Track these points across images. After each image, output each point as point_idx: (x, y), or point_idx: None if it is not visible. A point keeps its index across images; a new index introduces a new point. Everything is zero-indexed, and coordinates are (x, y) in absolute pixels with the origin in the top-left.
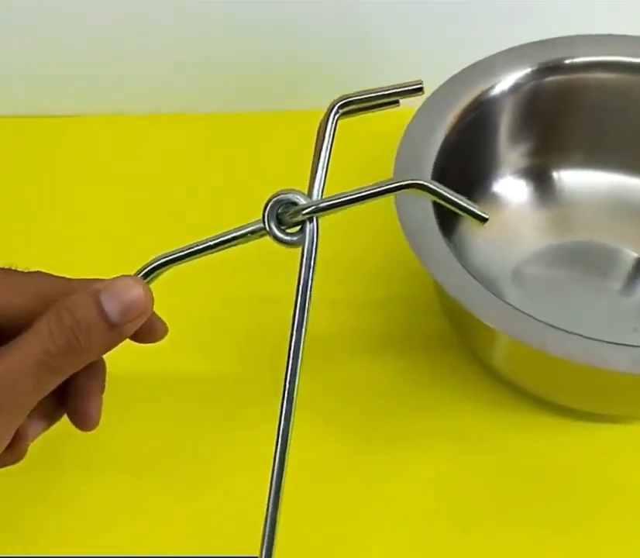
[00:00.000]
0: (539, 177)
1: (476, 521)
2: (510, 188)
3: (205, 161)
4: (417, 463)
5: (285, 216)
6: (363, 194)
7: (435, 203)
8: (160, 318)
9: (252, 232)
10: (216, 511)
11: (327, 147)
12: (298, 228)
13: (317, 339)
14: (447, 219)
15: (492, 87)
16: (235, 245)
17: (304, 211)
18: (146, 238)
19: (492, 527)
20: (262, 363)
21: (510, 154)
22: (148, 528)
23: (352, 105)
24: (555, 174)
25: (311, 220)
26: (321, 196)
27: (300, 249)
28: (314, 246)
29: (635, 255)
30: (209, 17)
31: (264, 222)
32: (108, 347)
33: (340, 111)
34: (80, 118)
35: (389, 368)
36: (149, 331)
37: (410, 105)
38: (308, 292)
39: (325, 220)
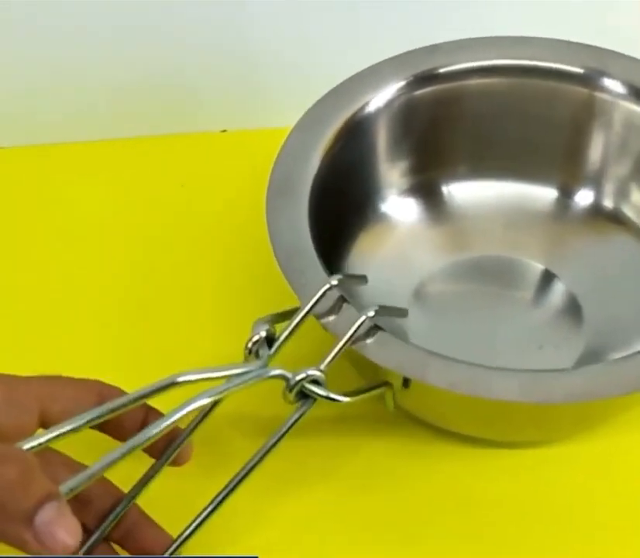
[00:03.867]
0: (428, 194)
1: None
2: (400, 208)
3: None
4: (323, 499)
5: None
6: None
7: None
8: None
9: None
10: None
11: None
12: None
13: None
14: (333, 243)
15: (365, 105)
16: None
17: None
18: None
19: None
20: None
21: (393, 173)
22: None
23: None
24: (444, 189)
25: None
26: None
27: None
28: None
29: (540, 266)
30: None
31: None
32: None
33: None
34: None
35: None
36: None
37: (283, 126)
38: None
39: None
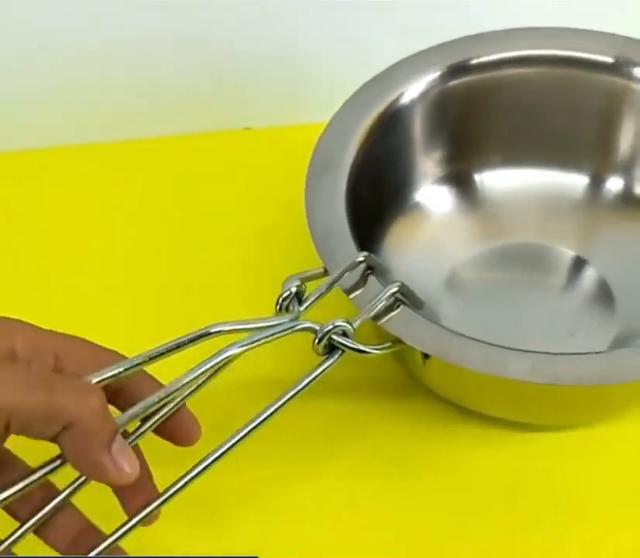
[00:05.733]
0: (461, 183)
1: (424, 536)
2: (433, 197)
3: (162, 186)
4: (352, 483)
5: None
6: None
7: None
8: (194, 423)
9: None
10: None
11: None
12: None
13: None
14: (367, 231)
15: (400, 97)
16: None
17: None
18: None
19: (441, 540)
20: None
21: (428, 162)
22: None
23: None
24: (477, 178)
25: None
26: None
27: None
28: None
29: (571, 253)
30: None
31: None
32: None
33: None
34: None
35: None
36: (184, 437)
37: (319, 120)
38: None
39: None
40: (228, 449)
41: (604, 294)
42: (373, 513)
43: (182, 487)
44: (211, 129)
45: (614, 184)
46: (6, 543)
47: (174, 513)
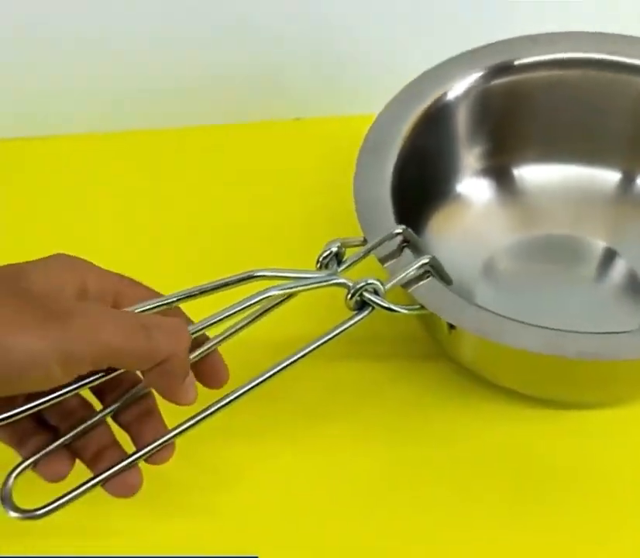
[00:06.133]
0: (500, 176)
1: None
2: (474, 188)
3: (181, 176)
4: (382, 452)
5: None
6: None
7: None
8: (224, 367)
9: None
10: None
11: None
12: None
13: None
14: (410, 215)
15: (445, 93)
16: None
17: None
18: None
19: (466, 512)
20: None
21: (470, 156)
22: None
23: None
24: (515, 172)
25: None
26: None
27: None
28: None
29: (603, 244)
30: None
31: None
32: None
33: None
34: (66, 137)
35: (357, 364)
36: (214, 379)
37: (367, 112)
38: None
39: None
40: (261, 382)
41: (634, 283)
42: (373, 479)
43: (198, 421)
44: (264, 119)
45: None
46: (46, 450)
47: (173, 490)
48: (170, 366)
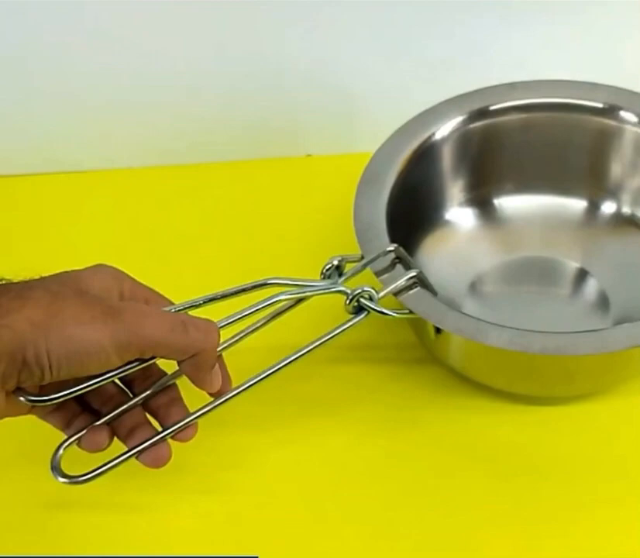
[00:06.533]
0: (482, 205)
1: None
2: (460, 216)
3: (208, 209)
4: (375, 444)
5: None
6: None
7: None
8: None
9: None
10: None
11: None
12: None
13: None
14: (403, 239)
15: (433, 134)
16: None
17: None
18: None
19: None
20: None
21: (455, 188)
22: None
23: None
24: (495, 202)
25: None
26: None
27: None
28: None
29: (576, 265)
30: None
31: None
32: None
33: None
34: (91, 173)
35: (355, 367)
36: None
37: (364, 151)
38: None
39: None
40: (270, 374)
41: (603, 301)
42: (363, 472)
43: (216, 406)
44: (278, 155)
45: (607, 207)
46: (90, 427)
47: (186, 472)
48: (201, 358)
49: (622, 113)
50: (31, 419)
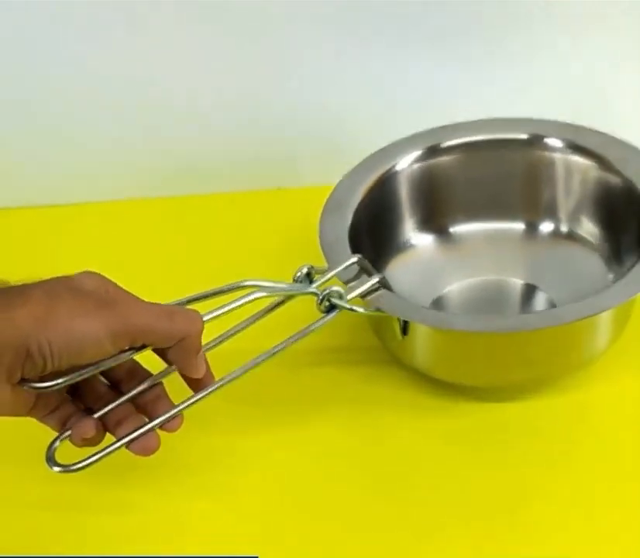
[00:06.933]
0: (439, 232)
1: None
2: (420, 240)
3: (202, 241)
4: (345, 439)
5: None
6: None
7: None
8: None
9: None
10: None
11: None
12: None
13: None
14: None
15: (393, 166)
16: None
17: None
18: None
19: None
20: None
21: (412, 218)
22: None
23: None
24: (451, 229)
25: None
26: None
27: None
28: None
29: (521, 282)
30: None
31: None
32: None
33: None
34: (81, 206)
35: (326, 369)
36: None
37: (327, 183)
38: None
39: None
40: (248, 370)
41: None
42: (349, 469)
43: (198, 399)
44: (250, 188)
45: (546, 226)
46: (79, 420)
47: (180, 473)
48: (187, 343)
49: (547, 140)
50: (22, 422)
